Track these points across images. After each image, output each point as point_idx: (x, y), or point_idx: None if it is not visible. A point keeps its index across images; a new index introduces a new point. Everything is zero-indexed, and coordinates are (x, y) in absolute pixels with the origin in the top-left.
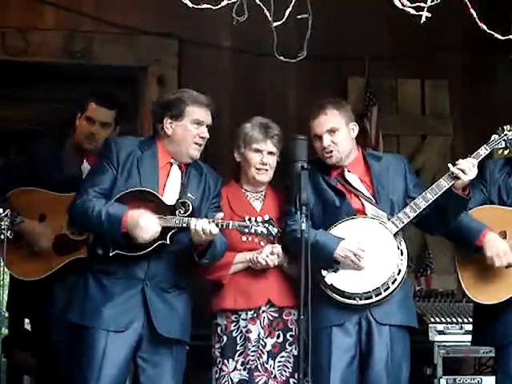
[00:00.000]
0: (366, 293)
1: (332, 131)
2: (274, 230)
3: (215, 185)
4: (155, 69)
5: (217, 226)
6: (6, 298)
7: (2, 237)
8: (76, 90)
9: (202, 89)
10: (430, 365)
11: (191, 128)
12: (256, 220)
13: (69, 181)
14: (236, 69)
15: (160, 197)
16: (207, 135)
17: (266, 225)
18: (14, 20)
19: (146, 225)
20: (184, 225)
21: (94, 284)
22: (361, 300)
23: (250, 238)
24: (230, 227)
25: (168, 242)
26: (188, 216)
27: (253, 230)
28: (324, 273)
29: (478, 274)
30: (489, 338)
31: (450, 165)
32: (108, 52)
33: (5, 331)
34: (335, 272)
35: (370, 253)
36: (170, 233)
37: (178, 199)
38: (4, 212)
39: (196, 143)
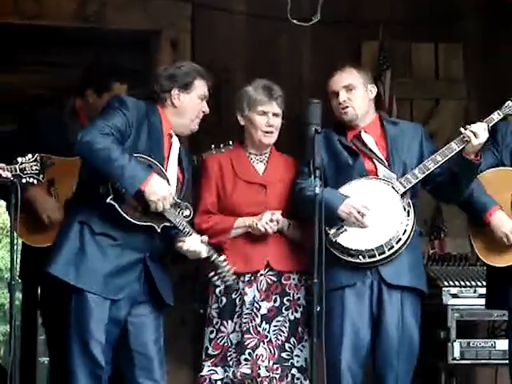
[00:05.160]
0: (369, 250)
1: (349, 88)
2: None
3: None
4: (168, 33)
5: (208, 252)
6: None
7: (34, 181)
8: (88, 55)
9: (215, 52)
10: (443, 328)
11: (197, 102)
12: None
13: (73, 147)
14: (250, 33)
15: (169, 181)
16: (208, 110)
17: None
18: None
19: (164, 198)
20: (181, 228)
21: (93, 246)
22: (364, 258)
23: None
24: (216, 262)
25: (158, 231)
26: (187, 221)
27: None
28: (330, 231)
29: (490, 237)
30: (502, 301)
31: (461, 128)
32: (121, 16)
33: (18, 296)
34: (340, 230)
35: (376, 212)
36: (163, 224)
37: (182, 199)
38: (33, 157)
39: (198, 117)
